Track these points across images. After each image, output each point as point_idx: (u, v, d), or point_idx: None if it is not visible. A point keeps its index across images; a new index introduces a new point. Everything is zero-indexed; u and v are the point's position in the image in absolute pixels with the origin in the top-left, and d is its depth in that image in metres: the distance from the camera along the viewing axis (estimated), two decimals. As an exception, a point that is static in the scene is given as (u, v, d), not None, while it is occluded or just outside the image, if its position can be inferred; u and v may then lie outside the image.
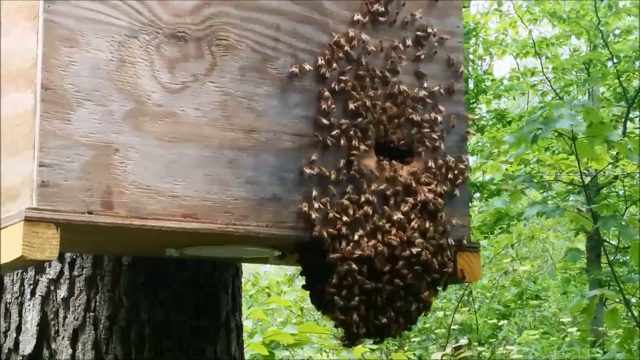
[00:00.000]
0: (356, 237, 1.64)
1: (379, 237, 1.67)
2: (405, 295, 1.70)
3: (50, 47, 1.43)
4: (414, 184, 1.73)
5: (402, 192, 1.71)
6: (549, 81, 11.31)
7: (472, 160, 13.60)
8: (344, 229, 1.64)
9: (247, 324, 4.41)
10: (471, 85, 12.88)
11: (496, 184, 9.84)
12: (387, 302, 1.69)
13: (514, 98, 12.81)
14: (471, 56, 13.19)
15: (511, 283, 9.58)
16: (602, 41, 11.23)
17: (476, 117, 11.62)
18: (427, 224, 1.72)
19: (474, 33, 12.41)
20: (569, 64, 11.40)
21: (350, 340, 1.69)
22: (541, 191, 9.51)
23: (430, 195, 1.73)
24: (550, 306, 10.76)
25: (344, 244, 1.64)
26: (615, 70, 10.92)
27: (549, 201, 5.36)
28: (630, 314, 4.70)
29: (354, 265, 1.63)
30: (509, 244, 8.21)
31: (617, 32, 11.64)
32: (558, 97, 10.88)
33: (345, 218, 1.64)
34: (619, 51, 11.31)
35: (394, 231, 1.68)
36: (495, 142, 7.85)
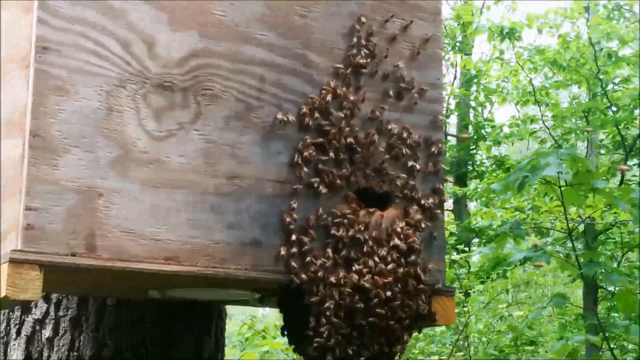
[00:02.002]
0: (333, 281, 1.69)
1: (356, 281, 1.72)
2: (380, 338, 1.75)
3: (40, 96, 1.49)
4: (391, 230, 1.78)
5: (379, 238, 1.76)
6: (548, 129, 11.38)
7: (472, 206, 13.64)
8: (321, 273, 1.69)
9: (239, 367, 4.43)
10: (471, 132, 12.96)
11: (494, 230, 9.86)
12: (362, 343, 1.73)
13: (512, 144, 12.88)
14: (472, 103, 13.28)
15: (507, 328, 9.57)
16: (601, 89, 11.31)
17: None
18: (404, 269, 1.77)
19: (475, 80, 12.50)
20: (569, 112, 11.48)
21: (326, 380, 1.73)
22: (539, 237, 9.54)
23: (408, 241, 1.78)
24: (547, 352, 10.73)
25: (321, 287, 1.69)
26: (614, 118, 11.00)
27: (549, 247, 5.40)
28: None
29: (331, 308, 1.68)
30: (504, 289, 8.23)
31: (616, 80, 11.73)
32: (557, 145, 10.94)
33: (323, 262, 1.69)
34: (618, 99, 11.39)
35: (370, 276, 1.73)
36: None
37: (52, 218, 1.47)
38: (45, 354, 1.99)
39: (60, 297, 2.00)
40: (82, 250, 1.49)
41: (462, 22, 12.00)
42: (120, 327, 1.98)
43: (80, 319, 1.99)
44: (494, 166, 12.51)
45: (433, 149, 1.87)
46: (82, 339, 1.98)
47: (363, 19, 1.81)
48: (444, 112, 1.91)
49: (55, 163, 1.49)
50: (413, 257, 1.78)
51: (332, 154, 1.74)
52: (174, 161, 1.60)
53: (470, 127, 12.85)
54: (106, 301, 1.99)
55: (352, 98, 1.78)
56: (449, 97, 12.67)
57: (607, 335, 4.39)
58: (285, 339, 1.81)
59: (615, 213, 8.26)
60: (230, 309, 2.50)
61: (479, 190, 10.91)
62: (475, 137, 12.65)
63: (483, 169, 12.90)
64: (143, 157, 1.57)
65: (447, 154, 12.84)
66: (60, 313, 2.00)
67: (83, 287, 1.80)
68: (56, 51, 1.51)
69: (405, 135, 1.83)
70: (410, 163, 1.83)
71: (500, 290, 7.97)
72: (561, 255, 4.25)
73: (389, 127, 1.82)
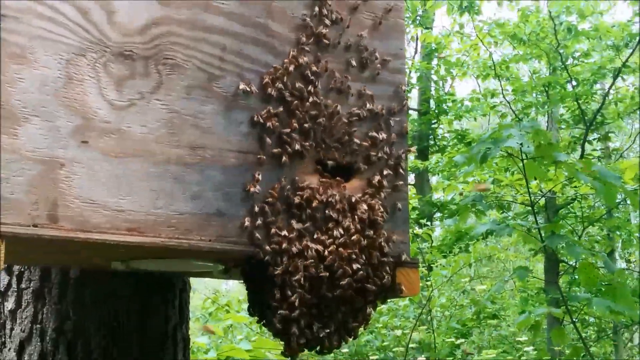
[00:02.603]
0: (297, 252, 1.69)
1: (320, 252, 1.71)
2: (345, 309, 1.75)
3: (-1, 64, 1.47)
4: (355, 201, 1.78)
5: (344, 208, 1.76)
6: (509, 103, 11.44)
7: (433, 180, 13.70)
8: (285, 244, 1.68)
9: (203, 341, 4.43)
10: (432, 106, 13.00)
11: (456, 204, 9.93)
12: (327, 315, 1.73)
13: (475, 119, 12.95)
14: (433, 76, 13.31)
15: (470, 302, 9.65)
16: (561, 63, 11.38)
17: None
18: (368, 240, 1.77)
19: (436, 54, 12.53)
20: (529, 86, 11.55)
21: (290, 351, 1.73)
22: (501, 212, 9.61)
23: (371, 212, 1.78)
24: (509, 325, 10.84)
25: (285, 258, 1.68)
26: (574, 93, 11.07)
27: (511, 221, 5.43)
28: (577, 332, 4.77)
29: (295, 280, 1.68)
30: (467, 263, 8.30)
31: (576, 54, 11.81)
32: (517, 119, 11.01)
33: (287, 233, 1.69)
34: (578, 74, 11.48)
35: (334, 247, 1.73)
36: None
37: (14, 188, 1.45)
38: (8, 326, 1.97)
39: (22, 269, 1.98)
40: (44, 221, 1.47)
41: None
42: (83, 299, 1.97)
43: (43, 291, 1.98)
44: (455, 140, 12.57)
45: (396, 120, 1.87)
46: (45, 312, 1.97)
47: (324, -12, 1.80)
48: (406, 84, 1.91)
49: (15, 132, 1.47)
50: (377, 228, 1.78)
51: (295, 125, 1.73)
52: (135, 131, 1.58)
53: (431, 101, 12.89)
54: (69, 273, 1.97)
55: (314, 68, 1.77)
56: (410, 71, 12.69)
57: (569, 308, 4.43)
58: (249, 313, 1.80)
59: (575, 187, 8.33)
60: (193, 283, 2.49)
61: (440, 164, 10.96)
62: (436, 111, 12.69)
63: (444, 142, 12.96)
64: (104, 126, 1.55)
65: (409, 128, 12.85)
66: (23, 285, 1.98)
67: (46, 258, 1.79)
68: (14, 18, 1.49)
69: (368, 105, 1.83)
70: (373, 133, 1.83)
71: (462, 265, 8.03)
72: (524, 227, 4.27)
73: (352, 97, 1.81)
